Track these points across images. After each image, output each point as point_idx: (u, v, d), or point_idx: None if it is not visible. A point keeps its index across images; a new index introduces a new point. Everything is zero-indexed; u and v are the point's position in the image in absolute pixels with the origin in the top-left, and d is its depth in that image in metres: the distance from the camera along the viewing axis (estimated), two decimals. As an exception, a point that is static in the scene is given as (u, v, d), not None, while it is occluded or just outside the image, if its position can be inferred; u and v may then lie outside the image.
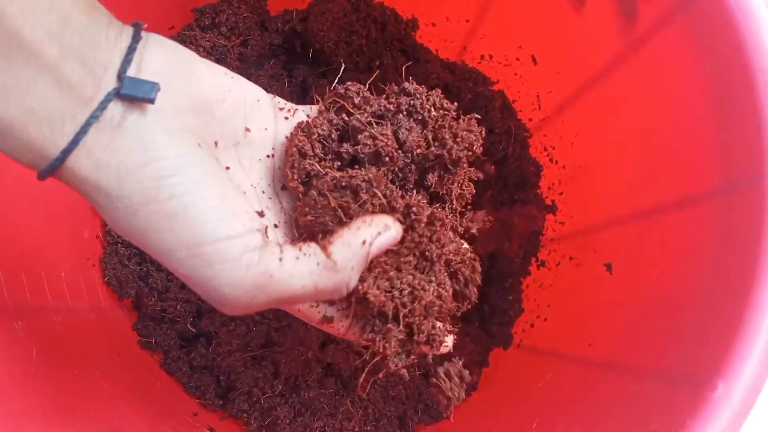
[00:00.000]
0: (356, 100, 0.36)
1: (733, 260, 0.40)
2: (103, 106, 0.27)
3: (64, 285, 0.50)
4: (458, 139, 0.36)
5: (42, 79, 0.26)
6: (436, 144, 0.36)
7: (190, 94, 0.30)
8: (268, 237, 0.31)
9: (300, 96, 0.65)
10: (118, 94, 0.27)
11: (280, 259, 0.30)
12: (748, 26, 0.40)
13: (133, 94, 0.27)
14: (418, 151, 0.36)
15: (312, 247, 0.31)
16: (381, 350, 0.33)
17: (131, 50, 0.28)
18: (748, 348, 0.36)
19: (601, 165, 0.57)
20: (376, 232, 0.32)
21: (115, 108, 0.27)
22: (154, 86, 0.28)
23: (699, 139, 0.45)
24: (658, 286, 0.47)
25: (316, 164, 0.34)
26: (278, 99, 0.37)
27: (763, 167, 0.39)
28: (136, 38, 0.29)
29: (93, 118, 0.27)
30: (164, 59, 0.30)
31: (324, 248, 0.31)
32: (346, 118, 0.36)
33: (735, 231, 0.41)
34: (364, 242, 0.32)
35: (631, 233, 0.52)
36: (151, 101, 0.28)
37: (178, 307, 0.58)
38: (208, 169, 0.29)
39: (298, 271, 0.30)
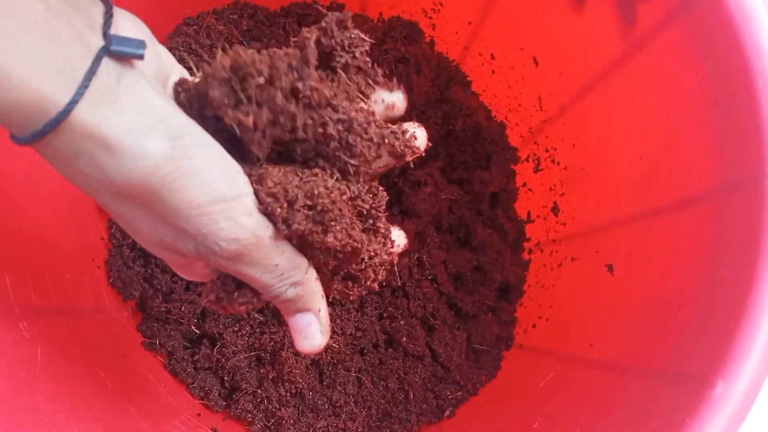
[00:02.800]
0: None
1: (732, 260, 0.40)
2: (98, 60, 0.27)
3: (69, 286, 0.50)
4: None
5: (32, 33, 0.25)
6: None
7: (156, 65, 0.32)
8: None
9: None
10: (108, 51, 0.27)
11: (271, 234, 0.32)
12: (747, 28, 0.40)
13: (123, 50, 0.27)
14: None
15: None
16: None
17: (109, 14, 0.29)
18: (748, 346, 0.36)
19: (602, 166, 0.57)
20: (323, 314, 0.36)
21: (109, 66, 0.27)
22: (141, 43, 0.28)
23: (699, 140, 0.45)
24: (658, 285, 0.47)
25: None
26: None
27: (762, 168, 0.40)
28: (107, 5, 0.29)
29: (91, 73, 0.26)
30: (134, 27, 0.31)
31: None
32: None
33: (734, 231, 0.41)
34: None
35: (632, 233, 0.52)
36: (141, 57, 0.28)
37: (182, 309, 0.58)
38: (204, 132, 0.30)
39: (279, 251, 0.32)
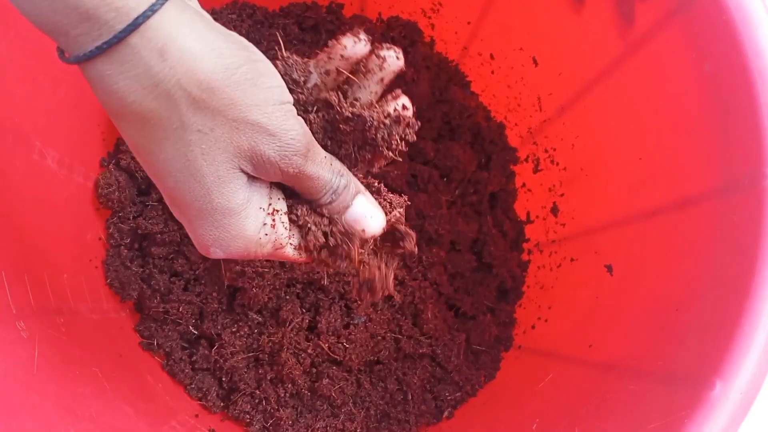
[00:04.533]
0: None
1: (731, 260, 0.40)
2: None
3: (67, 286, 0.50)
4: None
5: None
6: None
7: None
8: None
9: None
10: None
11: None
12: (745, 28, 0.40)
13: None
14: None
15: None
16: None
17: None
18: (746, 347, 0.36)
19: (602, 166, 0.57)
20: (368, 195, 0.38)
21: None
22: None
23: (697, 140, 0.45)
24: (657, 286, 0.47)
25: None
26: None
27: (761, 168, 0.39)
28: None
29: None
30: None
31: None
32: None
33: (733, 231, 0.41)
34: None
35: (631, 234, 0.52)
36: None
37: (180, 309, 0.58)
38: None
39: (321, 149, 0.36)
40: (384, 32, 0.67)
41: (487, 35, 0.64)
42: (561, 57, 0.58)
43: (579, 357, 0.52)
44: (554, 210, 0.64)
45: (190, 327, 0.59)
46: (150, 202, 0.59)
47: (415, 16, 0.68)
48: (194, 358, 0.58)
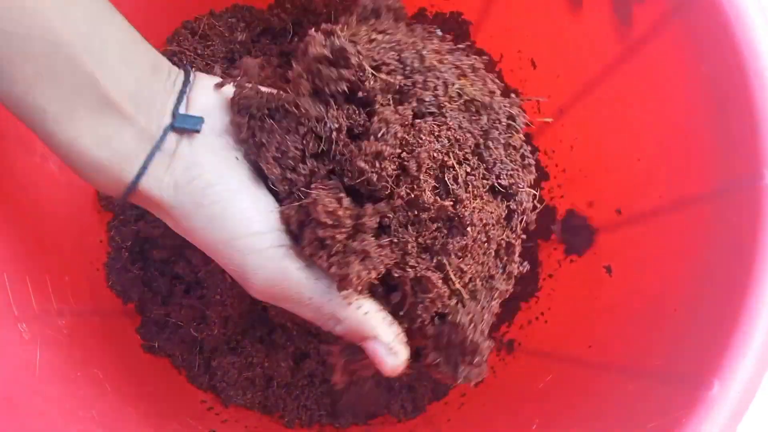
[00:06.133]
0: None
1: (729, 260, 0.40)
2: (162, 139, 0.35)
3: (68, 289, 0.50)
4: None
5: (124, 128, 0.34)
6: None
7: (226, 120, 0.37)
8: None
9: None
10: (172, 128, 0.35)
11: (301, 266, 0.35)
12: (742, 29, 0.40)
13: (183, 126, 0.35)
14: None
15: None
16: None
17: (182, 93, 0.36)
18: (744, 346, 0.36)
19: (601, 168, 0.57)
20: (384, 338, 0.36)
21: (171, 139, 0.35)
22: (199, 120, 0.36)
23: (695, 142, 0.45)
24: (656, 286, 0.47)
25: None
26: None
27: (758, 168, 0.40)
28: (186, 83, 0.37)
29: (155, 149, 0.35)
30: (206, 96, 0.37)
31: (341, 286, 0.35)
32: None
33: (731, 231, 0.41)
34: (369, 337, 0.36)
35: (630, 235, 0.52)
36: (197, 131, 0.36)
37: (181, 312, 0.58)
38: (242, 178, 0.36)
39: (311, 285, 0.35)
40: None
41: (486, 38, 0.65)
42: (559, 59, 0.58)
43: (578, 357, 0.52)
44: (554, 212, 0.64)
45: (191, 330, 0.59)
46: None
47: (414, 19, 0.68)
48: (196, 360, 0.59)
